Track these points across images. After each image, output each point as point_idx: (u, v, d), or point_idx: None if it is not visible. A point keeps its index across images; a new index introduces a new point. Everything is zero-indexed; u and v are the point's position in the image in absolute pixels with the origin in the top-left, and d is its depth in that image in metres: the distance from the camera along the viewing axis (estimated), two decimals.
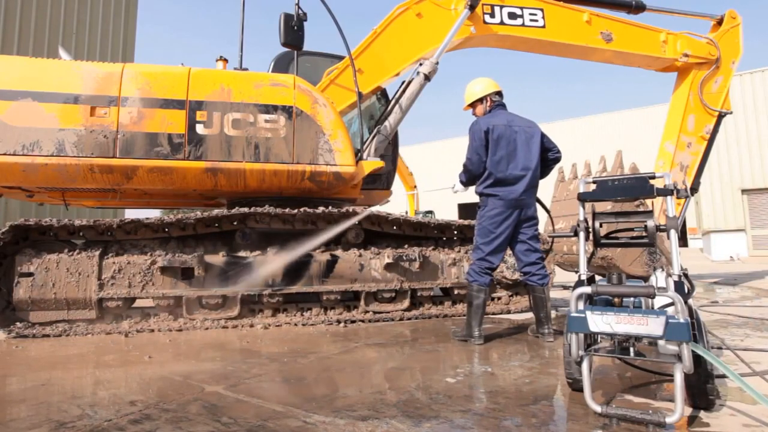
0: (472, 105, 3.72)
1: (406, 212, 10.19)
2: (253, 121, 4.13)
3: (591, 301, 2.04)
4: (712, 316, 4.26)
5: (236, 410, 2.02)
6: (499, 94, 3.67)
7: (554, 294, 6.08)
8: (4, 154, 3.72)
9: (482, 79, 3.73)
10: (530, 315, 4.22)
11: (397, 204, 9.06)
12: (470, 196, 3.73)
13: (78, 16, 9.82)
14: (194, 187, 4.21)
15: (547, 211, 4.05)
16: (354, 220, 4.15)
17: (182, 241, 4.11)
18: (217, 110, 4.08)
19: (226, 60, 4.83)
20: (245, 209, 4.01)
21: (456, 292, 4.54)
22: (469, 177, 3.58)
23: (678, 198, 2.26)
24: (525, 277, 3.52)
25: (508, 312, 4.63)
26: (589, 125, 30.38)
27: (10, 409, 2.09)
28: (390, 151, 5.29)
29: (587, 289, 1.96)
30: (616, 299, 1.96)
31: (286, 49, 4.74)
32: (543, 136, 3.55)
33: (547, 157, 3.58)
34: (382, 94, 5.45)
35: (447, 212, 22.78)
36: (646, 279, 2.64)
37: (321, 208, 4.14)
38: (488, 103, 3.64)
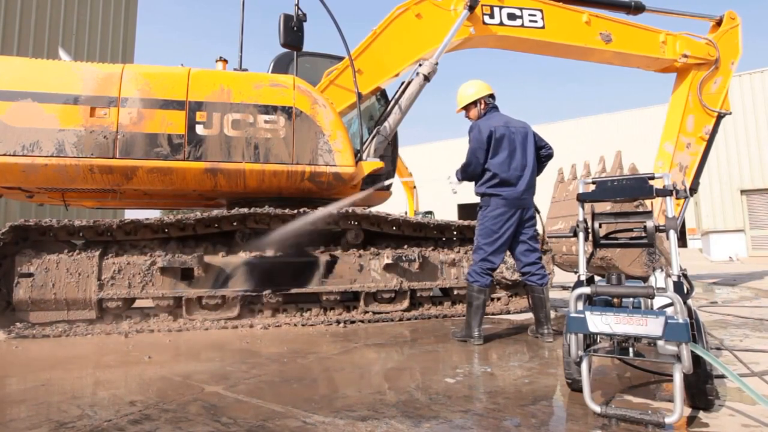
0: (466, 108, 3.72)
1: (406, 213, 10.20)
2: (252, 121, 4.13)
3: (590, 301, 2.04)
4: (711, 317, 4.27)
5: (236, 410, 2.03)
6: (491, 96, 3.68)
7: (553, 294, 6.09)
8: (4, 155, 3.72)
9: (475, 82, 3.73)
10: (530, 315, 4.22)
11: (396, 204, 9.07)
12: (470, 196, 3.74)
13: (78, 16, 9.82)
14: (194, 188, 4.21)
15: (539, 213, 4.05)
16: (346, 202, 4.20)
17: (182, 241, 4.12)
18: (217, 111, 4.08)
19: (225, 60, 4.83)
20: (245, 210, 4.01)
21: (455, 292, 4.55)
22: (465, 177, 3.61)
23: (677, 198, 2.26)
24: (524, 277, 3.53)
25: (508, 312, 4.64)
26: (589, 126, 30.38)
27: (10, 410, 2.10)
28: (389, 151, 5.29)
29: (586, 290, 1.96)
30: (615, 300, 1.96)
31: (286, 50, 4.75)
32: (534, 134, 3.57)
33: (541, 154, 3.60)
34: (381, 94, 5.45)
35: (447, 213, 22.77)
36: (645, 279, 2.65)
37: (320, 209, 4.14)
38: (482, 106, 3.65)
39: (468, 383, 2.41)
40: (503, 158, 3.43)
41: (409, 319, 4.31)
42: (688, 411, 1.92)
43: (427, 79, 4.71)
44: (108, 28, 10.64)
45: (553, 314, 4.13)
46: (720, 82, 5.73)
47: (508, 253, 3.60)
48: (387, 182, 4.86)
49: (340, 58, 4.92)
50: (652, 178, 2.28)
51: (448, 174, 3.77)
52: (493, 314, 4.55)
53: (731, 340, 3.29)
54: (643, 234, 2.32)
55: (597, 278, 2.37)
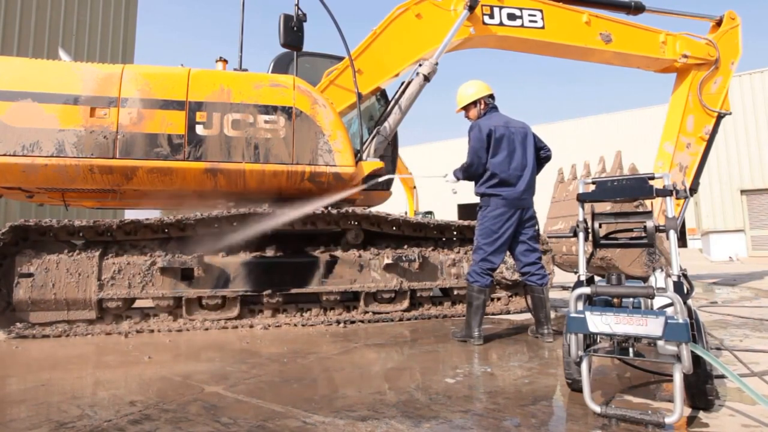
0: (465, 108, 3.73)
1: (406, 213, 10.19)
2: (252, 121, 4.13)
3: (590, 301, 2.04)
4: (711, 317, 4.27)
5: (236, 410, 2.03)
6: (491, 96, 3.68)
7: (553, 294, 6.08)
8: (4, 155, 3.72)
9: (474, 82, 3.73)
10: (530, 315, 4.22)
11: (396, 204, 9.07)
12: (470, 196, 3.74)
13: (78, 16, 9.82)
14: (194, 188, 4.21)
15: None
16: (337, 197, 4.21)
17: (182, 241, 4.11)
18: (217, 111, 4.08)
19: (225, 61, 4.83)
20: (245, 209, 4.01)
21: (455, 292, 4.55)
22: (467, 177, 3.61)
23: (677, 198, 2.26)
24: (524, 277, 3.53)
25: (508, 312, 4.64)
26: (589, 126, 30.38)
27: (10, 410, 2.10)
28: (389, 151, 5.29)
29: (586, 290, 1.96)
30: (615, 300, 1.96)
31: (286, 50, 4.75)
32: (534, 135, 3.58)
33: (539, 155, 3.61)
34: (381, 94, 5.45)
35: (447, 213, 22.78)
36: (645, 279, 2.65)
37: (320, 209, 4.14)
38: (482, 106, 3.65)
39: (468, 383, 2.41)
40: (503, 158, 3.43)
41: (409, 319, 4.31)
42: (688, 411, 1.92)
43: (427, 79, 4.71)
44: (108, 29, 10.63)
45: (553, 314, 4.13)
46: (720, 83, 5.73)
47: (508, 253, 3.60)
48: (384, 178, 4.79)
49: (340, 58, 4.91)
50: (652, 178, 2.28)
51: (445, 172, 3.77)
52: (493, 314, 4.55)
53: (731, 340, 3.29)
54: (643, 234, 2.32)
55: (597, 278, 2.37)
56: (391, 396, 2.20)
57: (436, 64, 4.72)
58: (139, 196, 4.68)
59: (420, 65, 4.73)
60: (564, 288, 6.79)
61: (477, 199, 3.59)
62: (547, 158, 3.64)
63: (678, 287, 1.99)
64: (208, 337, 3.70)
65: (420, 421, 1.88)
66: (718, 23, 5.80)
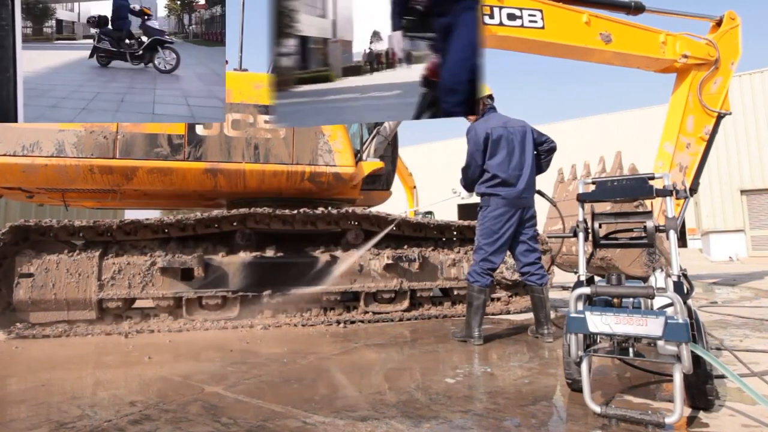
0: None
1: (406, 213, 10.17)
2: (252, 121, 4.14)
3: (590, 301, 2.04)
4: (711, 317, 4.26)
5: (236, 411, 2.03)
6: (490, 97, 3.68)
7: (553, 294, 6.08)
8: (4, 155, 3.73)
9: None
10: (530, 315, 4.22)
11: (396, 204, 9.06)
12: (470, 196, 3.74)
13: None
14: (194, 188, 4.21)
15: (554, 204, 4.02)
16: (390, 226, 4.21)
17: (182, 241, 4.11)
18: None
19: (226, 61, 4.82)
20: (245, 210, 4.01)
21: (455, 292, 4.55)
22: (466, 182, 3.62)
23: (677, 198, 2.26)
24: (524, 277, 3.53)
25: (508, 312, 4.64)
26: (589, 126, 30.37)
27: (10, 410, 2.10)
28: (389, 151, 5.29)
29: (586, 290, 1.96)
30: (615, 300, 1.96)
31: None
32: (533, 131, 3.58)
33: (542, 149, 3.60)
34: None
35: (447, 213, 22.80)
36: (645, 279, 2.65)
37: (320, 209, 4.14)
38: (481, 107, 3.65)
39: (468, 383, 2.41)
40: (502, 158, 3.43)
41: (409, 320, 4.31)
42: (688, 411, 1.92)
43: None
44: None
45: (553, 314, 4.12)
46: (720, 83, 5.73)
47: (508, 253, 3.60)
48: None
49: None
50: (652, 178, 2.28)
51: (453, 188, 3.77)
52: (493, 314, 4.55)
53: (731, 340, 3.29)
54: (643, 234, 2.32)
55: (597, 278, 2.37)
56: (391, 396, 2.20)
57: None
58: (139, 196, 4.68)
59: None
60: (564, 288, 6.78)
61: (477, 199, 3.60)
62: (551, 150, 3.62)
63: (678, 287, 1.99)
64: (208, 337, 3.70)
65: (420, 421, 1.88)
66: (718, 23, 5.79)
